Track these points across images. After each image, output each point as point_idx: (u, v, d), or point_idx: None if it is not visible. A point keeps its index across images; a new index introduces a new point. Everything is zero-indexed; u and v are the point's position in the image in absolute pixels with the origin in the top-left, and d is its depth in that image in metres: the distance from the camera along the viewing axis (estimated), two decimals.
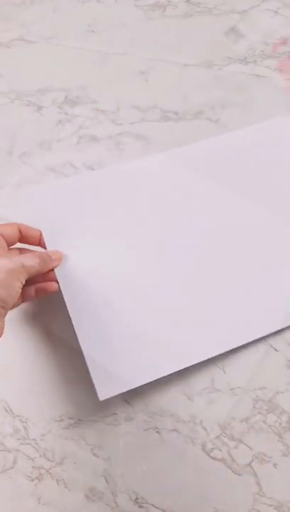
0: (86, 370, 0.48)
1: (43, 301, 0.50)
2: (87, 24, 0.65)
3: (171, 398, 0.47)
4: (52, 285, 0.46)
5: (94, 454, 0.46)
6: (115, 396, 0.47)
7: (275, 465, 0.45)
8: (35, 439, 0.47)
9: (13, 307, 0.42)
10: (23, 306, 0.51)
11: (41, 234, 0.47)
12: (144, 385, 0.47)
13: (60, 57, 0.63)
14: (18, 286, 0.41)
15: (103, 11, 0.66)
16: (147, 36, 0.64)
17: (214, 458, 0.45)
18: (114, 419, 0.47)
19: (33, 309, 0.51)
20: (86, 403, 0.47)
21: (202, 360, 0.46)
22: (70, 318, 0.49)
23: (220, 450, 0.45)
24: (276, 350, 0.48)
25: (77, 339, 0.49)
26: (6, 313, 0.40)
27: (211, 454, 0.45)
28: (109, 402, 0.47)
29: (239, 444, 0.45)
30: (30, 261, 0.42)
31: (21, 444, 0.47)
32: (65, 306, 0.47)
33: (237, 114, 0.59)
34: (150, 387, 0.47)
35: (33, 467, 0.46)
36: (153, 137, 0.57)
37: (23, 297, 0.45)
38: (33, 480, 0.46)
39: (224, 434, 0.46)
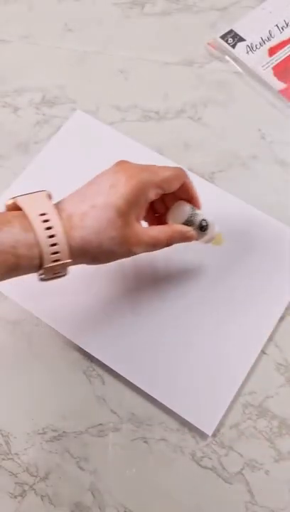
0: (68, 380, 0.47)
1: (23, 309, 0.48)
2: (64, 23, 0.64)
3: (159, 406, 0.45)
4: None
5: (80, 467, 0.44)
6: (100, 406, 0.46)
7: (267, 472, 0.43)
8: (17, 454, 0.45)
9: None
10: (2, 316, 0.49)
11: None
12: (130, 393, 0.46)
13: (37, 56, 0.62)
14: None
15: (80, 9, 0.64)
16: (126, 34, 0.63)
17: (204, 467, 0.44)
18: (99, 430, 0.45)
19: (12, 319, 0.49)
20: (70, 414, 0.46)
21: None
22: (53, 332, 0.48)
23: (210, 458, 0.44)
24: (265, 353, 0.47)
25: (60, 349, 0.48)
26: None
27: (201, 463, 0.44)
28: (95, 413, 0.45)
29: (230, 451, 0.44)
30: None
31: (2, 459, 0.45)
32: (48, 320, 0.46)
33: (218, 112, 0.58)
34: (137, 395, 0.46)
35: (15, 483, 0.44)
36: (134, 137, 0.56)
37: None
38: (16, 497, 0.44)
39: (214, 442, 0.44)
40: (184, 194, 0.43)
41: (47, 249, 0.34)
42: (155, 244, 0.40)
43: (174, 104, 0.58)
